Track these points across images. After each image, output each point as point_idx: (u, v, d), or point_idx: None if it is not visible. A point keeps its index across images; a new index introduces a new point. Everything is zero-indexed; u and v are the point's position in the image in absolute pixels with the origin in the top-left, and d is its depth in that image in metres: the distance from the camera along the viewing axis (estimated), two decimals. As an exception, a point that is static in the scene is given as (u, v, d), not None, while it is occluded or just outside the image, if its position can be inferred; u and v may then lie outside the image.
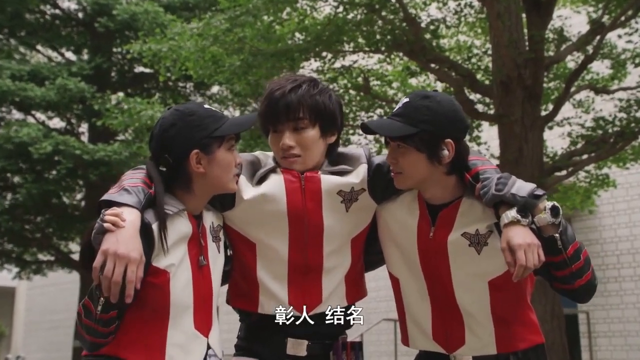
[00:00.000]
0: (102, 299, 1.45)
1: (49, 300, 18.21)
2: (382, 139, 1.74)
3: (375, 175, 1.79)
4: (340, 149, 1.86)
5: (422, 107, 1.66)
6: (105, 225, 1.46)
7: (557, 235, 1.55)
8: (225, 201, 1.75)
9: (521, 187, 1.57)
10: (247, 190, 1.75)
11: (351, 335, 1.89)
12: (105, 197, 1.55)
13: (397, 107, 1.72)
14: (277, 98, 1.73)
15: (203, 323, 1.64)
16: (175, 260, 1.58)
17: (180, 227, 1.60)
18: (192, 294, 1.60)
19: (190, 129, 1.60)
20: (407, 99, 1.71)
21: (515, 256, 1.51)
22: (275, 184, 1.75)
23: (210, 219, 1.73)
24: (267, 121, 1.77)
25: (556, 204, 1.56)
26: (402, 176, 1.70)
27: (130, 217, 1.48)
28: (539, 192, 1.57)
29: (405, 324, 1.81)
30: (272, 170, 1.78)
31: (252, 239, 1.78)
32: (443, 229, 1.71)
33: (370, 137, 9.01)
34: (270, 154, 1.84)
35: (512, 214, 1.55)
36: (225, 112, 9.95)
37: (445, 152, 1.66)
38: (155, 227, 1.54)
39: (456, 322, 1.71)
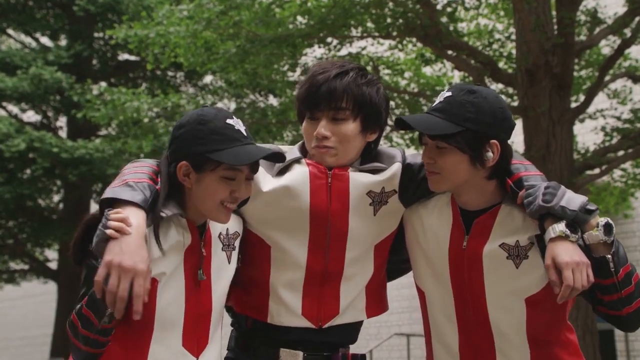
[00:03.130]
0: (109, 310, 1.46)
1: (22, 314, 18.28)
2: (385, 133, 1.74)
3: (405, 176, 1.79)
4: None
5: (467, 103, 1.64)
6: (109, 232, 1.44)
7: (609, 256, 1.54)
8: None
9: (572, 200, 1.57)
10: (266, 182, 1.74)
11: (358, 351, 1.90)
12: (107, 193, 1.53)
13: (438, 101, 1.70)
14: (319, 82, 1.72)
15: (195, 342, 1.62)
16: (166, 269, 1.57)
17: (175, 235, 1.59)
18: (183, 311, 1.60)
19: (191, 138, 1.58)
20: (449, 93, 1.69)
21: (562, 275, 1.51)
22: (299, 177, 1.74)
23: (222, 226, 1.71)
24: (305, 106, 1.75)
25: (610, 220, 1.56)
26: (439, 177, 1.69)
27: (136, 221, 1.47)
28: (592, 206, 1.57)
29: (431, 342, 1.82)
30: (297, 161, 1.77)
31: (267, 241, 1.78)
32: (478, 238, 1.70)
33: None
34: (294, 146, 1.84)
35: (560, 227, 1.54)
36: (219, 104, 10.01)
37: (490, 154, 1.65)
38: (148, 231, 1.53)
39: (486, 344, 1.71)
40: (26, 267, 12.52)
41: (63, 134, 12.08)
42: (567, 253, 1.52)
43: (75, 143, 10.06)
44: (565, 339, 1.73)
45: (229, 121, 1.59)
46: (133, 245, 1.44)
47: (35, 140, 9.87)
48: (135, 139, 8.54)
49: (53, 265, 12.77)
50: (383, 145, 1.98)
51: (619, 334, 9.39)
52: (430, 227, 1.77)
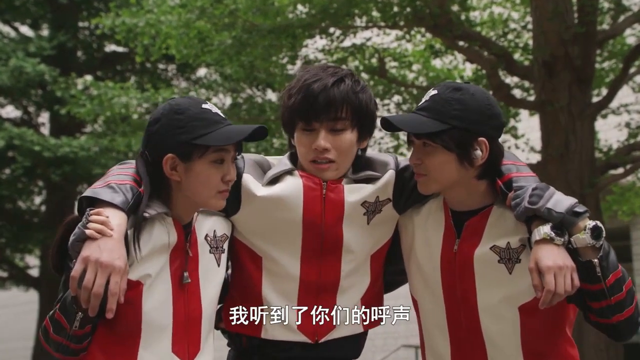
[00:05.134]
0: (80, 313, 1.52)
1: (0, 325, 18.31)
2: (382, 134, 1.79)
3: (399, 182, 1.86)
4: (366, 154, 1.92)
5: (453, 101, 1.71)
6: (88, 232, 1.51)
7: (596, 260, 1.58)
8: (230, 203, 1.78)
9: (559, 201, 1.62)
10: (258, 189, 1.81)
11: (365, 363, 1.95)
12: (88, 192, 1.61)
13: (424, 100, 1.78)
14: (316, 92, 1.76)
15: (185, 347, 1.68)
16: (151, 271, 1.63)
17: (160, 235, 1.65)
18: (171, 314, 1.66)
19: (171, 129, 1.65)
20: (435, 91, 1.77)
21: (544, 279, 1.56)
22: (292, 189, 1.80)
23: (209, 227, 1.79)
24: (301, 116, 1.79)
25: (599, 223, 1.61)
26: (426, 179, 1.76)
27: (116, 222, 1.55)
28: (580, 208, 1.62)
29: (425, 355, 1.88)
30: (289, 173, 1.83)
31: (258, 251, 1.85)
32: (469, 241, 1.77)
33: (379, 133, 9.05)
34: (283, 157, 1.90)
35: (545, 230, 1.60)
36: (214, 100, 10.05)
37: (478, 152, 1.72)
38: (130, 232, 1.60)
39: (479, 355, 1.77)
40: (5, 274, 12.55)
41: (45, 130, 12.12)
42: (550, 256, 1.57)
43: (58, 141, 10.09)
44: (565, 352, 1.77)
45: (204, 106, 1.69)
46: (111, 243, 1.51)
47: (15, 138, 9.90)
48: (123, 136, 8.59)
49: (34, 272, 12.81)
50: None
51: (645, 346, 9.39)
52: (423, 233, 1.84)
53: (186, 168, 1.65)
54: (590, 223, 1.61)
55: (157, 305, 1.65)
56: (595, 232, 1.60)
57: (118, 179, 1.64)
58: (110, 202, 1.57)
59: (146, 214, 1.62)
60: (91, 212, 1.55)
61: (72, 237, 1.53)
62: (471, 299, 1.75)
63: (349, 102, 1.77)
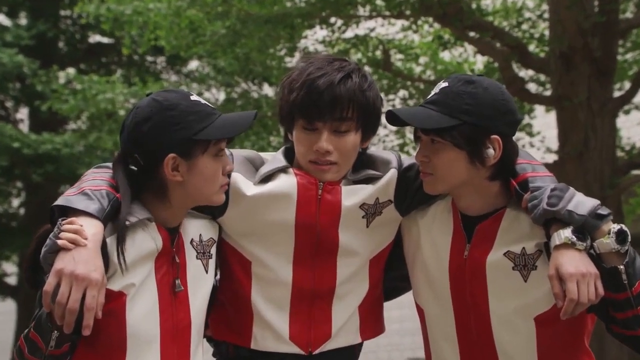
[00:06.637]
0: (55, 331, 1.51)
1: (-24, 337, 18.30)
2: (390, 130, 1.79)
3: (402, 182, 1.86)
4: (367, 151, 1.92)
5: (464, 94, 1.71)
6: (61, 242, 1.50)
7: (621, 267, 1.58)
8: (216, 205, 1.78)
9: (580, 203, 1.62)
10: (248, 188, 1.81)
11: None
12: (60, 201, 1.60)
13: (433, 92, 1.78)
14: (321, 88, 1.74)
15: (175, 359, 1.69)
16: (135, 280, 1.63)
17: (143, 242, 1.65)
18: (158, 325, 1.66)
19: (167, 127, 1.64)
20: (445, 83, 1.77)
21: (566, 287, 1.56)
22: (286, 188, 1.80)
23: (195, 231, 1.79)
24: (302, 114, 1.77)
25: (624, 227, 1.60)
26: (433, 178, 1.76)
27: (91, 231, 1.54)
28: (604, 210, 1.62)
29: None
30: (283, 170, 1.83)
31: (247, 255, 1.85)
32: (481, 246, 1.76)
33: (384, 130, 9.06)
34: (277, 153, 1.90)
35: (565, 234, 1.60)
36: (207, 95, 10.04)
37: (491, 151, 1.72)
38: (110, 240, 1.60)
39: None
40: (-20, 282, 12.54)
41: (24, 127, 12.11)
42: (572, 263, 1.57)
43: (39, 137, 10.05)
44: None
45: (193, 98, 1.71)
46: (87, 254, 1.50)
47: (-10, 134, 9.87)
48: (110, 134, 8.58)
49: (12, 280, 12.80)
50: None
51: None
52: (430, 237, 1.85)
53: (189, 166, 1.66)
54: (614, 226, 1.60)
55: (143, 316, 1.65)
56: (621, 236, 1.59)
57: (93, 185, 1.64)
58: (84, 210, 1.57)
59: (128, 222, 1.61)
60: (63, 221, 1.54)
61: (43, 249, 1.53)
62: (483, 308, 1.76)
63: (356, 102, 1.76)
